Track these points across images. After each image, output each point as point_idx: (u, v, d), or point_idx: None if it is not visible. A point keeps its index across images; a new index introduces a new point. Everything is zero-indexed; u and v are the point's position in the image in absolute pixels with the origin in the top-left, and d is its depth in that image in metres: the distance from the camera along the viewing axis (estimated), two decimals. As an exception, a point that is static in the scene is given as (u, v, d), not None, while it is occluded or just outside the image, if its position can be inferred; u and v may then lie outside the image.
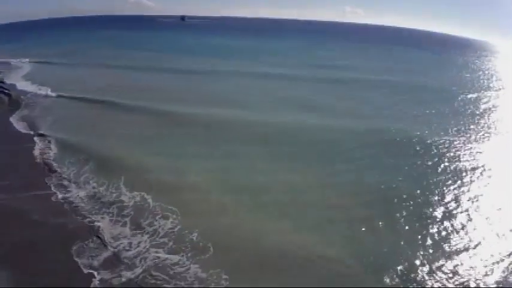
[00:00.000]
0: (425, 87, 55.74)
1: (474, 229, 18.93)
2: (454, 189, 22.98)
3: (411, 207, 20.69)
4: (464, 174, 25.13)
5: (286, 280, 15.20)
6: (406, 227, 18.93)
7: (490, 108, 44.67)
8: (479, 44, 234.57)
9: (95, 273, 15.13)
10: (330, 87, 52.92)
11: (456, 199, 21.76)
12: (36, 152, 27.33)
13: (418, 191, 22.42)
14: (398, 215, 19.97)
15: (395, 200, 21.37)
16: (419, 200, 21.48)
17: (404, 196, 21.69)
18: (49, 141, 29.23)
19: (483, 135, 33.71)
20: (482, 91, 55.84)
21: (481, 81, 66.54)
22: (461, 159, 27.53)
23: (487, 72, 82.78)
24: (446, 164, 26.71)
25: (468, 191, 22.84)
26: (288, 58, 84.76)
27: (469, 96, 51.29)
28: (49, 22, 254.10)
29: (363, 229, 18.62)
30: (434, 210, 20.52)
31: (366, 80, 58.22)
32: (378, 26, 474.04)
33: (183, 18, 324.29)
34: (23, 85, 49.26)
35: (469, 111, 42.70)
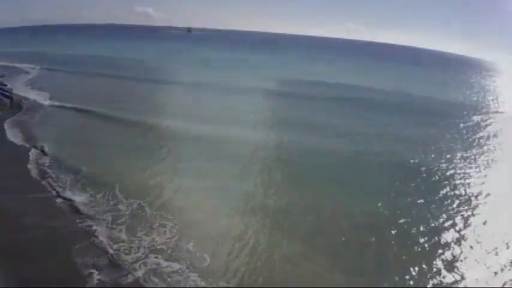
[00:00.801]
0: (429, 108, 57.11)
1: (480, 257, 19.21)
2: (462, 215, 23.37)
3: (420, 233, 21.04)
4: (469, 201, 25.46)
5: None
6: (415, 253, 19.27)
7: (496, 132, 45.61)
8: (484, 63, 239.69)
9: (94, 275, 15.63)
10: (331, 105, 53.97)
11: (463, 225, 22.14)
12: (32, 157, 27.93)
13: (426, 215, 22.89)
14: (408, 241, 20.28)
15: (403, 225, 21.67)
16: (427, 225, 21.77)
17: (413, 221, 22.08)
18: (46, 148, 29.80)
19: (489, 161, 34.20)
20: (488, 113, 57.23)
21: (487, 103, 68.16)
22: (466, 186, 27.85)
23: (492, 93, 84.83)
24: (452, 189, 27.15)
25: (474, 217, 23.19)
26: (291, 74, 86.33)
27: (474, 117, 52.55)
28: (56, 29, 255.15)
29: (371, 255, 18.88)
30: (441, 236, 20.81)
31: (370, 99, 59.44)
32: (380, 44, 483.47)
33: (189, 30, 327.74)
34: (25, 90, 50.50)
35: (475, 135, 43.25)
